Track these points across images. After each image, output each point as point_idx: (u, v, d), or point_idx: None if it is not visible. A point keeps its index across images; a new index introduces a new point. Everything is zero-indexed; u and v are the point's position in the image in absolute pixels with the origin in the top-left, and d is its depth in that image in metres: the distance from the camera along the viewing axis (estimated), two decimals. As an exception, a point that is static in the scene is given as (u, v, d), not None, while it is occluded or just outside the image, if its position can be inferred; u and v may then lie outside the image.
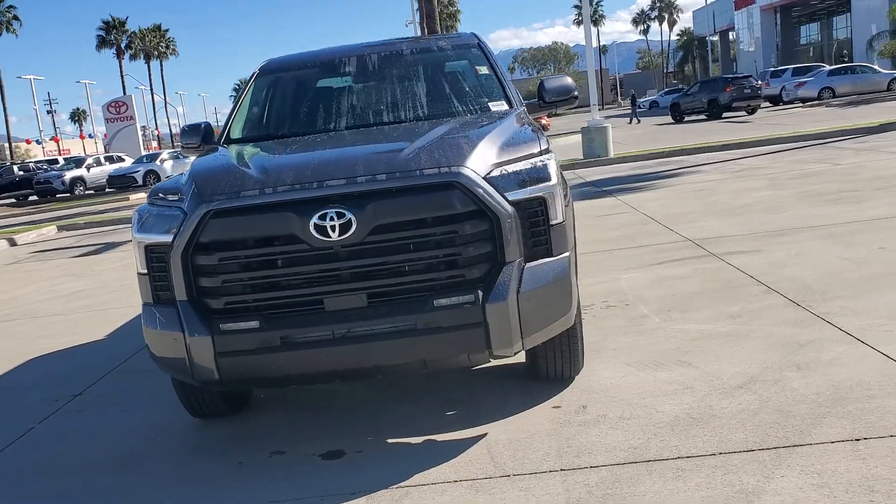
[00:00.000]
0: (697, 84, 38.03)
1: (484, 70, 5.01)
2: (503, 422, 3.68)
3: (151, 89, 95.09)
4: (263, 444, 3.79)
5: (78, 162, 40.10)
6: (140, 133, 53.49)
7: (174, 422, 4.18)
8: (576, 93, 4.96)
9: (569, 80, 4.94)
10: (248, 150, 4.16)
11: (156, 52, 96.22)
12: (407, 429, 3.74)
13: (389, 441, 3.63)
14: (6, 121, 51.84)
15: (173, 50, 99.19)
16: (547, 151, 3.68)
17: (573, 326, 3.79)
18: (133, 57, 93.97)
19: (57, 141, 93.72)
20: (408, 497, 3.08)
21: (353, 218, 3.21)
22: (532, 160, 3.54)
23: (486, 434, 3.57)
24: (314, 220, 3.21)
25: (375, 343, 3.30)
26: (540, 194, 3.45)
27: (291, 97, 5.06)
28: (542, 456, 3.29)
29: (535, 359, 3.99)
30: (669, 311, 5.17)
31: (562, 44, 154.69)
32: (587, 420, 3.59)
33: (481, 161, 3.40)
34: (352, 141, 4.20)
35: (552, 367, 3.97)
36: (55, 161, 46.67)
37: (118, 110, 51.68)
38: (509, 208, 3.33)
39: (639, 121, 41.62)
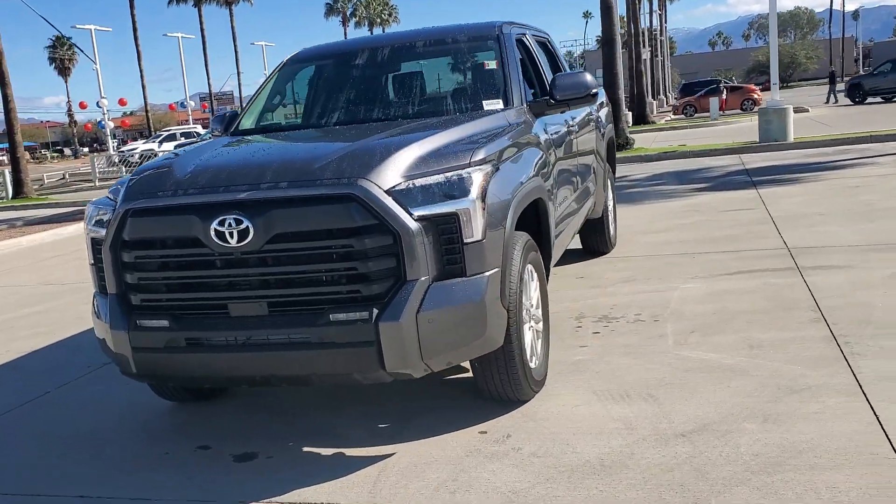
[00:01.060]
0: (889, 63, 33.64)
1: (492, 65, 4.75)
2: (419, 442, 3.54)
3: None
4: (202, 435, 3.90)
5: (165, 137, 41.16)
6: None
7: (151, 402, 4.39)
8: (594, 90, 4.59)
9: (583, 78, 4.56)
10: (216, 145, 4.23)
11: (378, 20, 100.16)
12: (329, 438, 3.70)
13: (304, 449, 3.61)
14: (143, 89, 54.72)
15: (395, 17, 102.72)
16: (483, 162, 3.44)
17: (508, 349, 3.55)
18: (358, 24, 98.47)
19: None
20: (269, 512, 3.06)
21: (250, 226, 3.19)
22: (451, 173, 3.32)
23: (392, 454, 3.45)
24: (214, 225, 3.22)
25: (272, 353, 3.28)
26: (452, 210, 3.24)
27: (303, 90, 5.09)
28: (422, 488, 3.13)
29: (474, 377, 3.79)
30: (692, 332, 4.70)
31: (805, 9, 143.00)
32: (497, 452, 3.36)
33: (390, 172, 3.23)
34: (309, 139, 4.16)
35: (491, 388, 3.75)
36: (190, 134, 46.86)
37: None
38: (413, 224, 3.15)
39: (836, 100, 37.58)
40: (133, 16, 53.61)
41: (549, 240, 4.28)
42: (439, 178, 3.29)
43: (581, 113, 5.80)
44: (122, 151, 41.14)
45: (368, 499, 3.09)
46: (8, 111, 22.53)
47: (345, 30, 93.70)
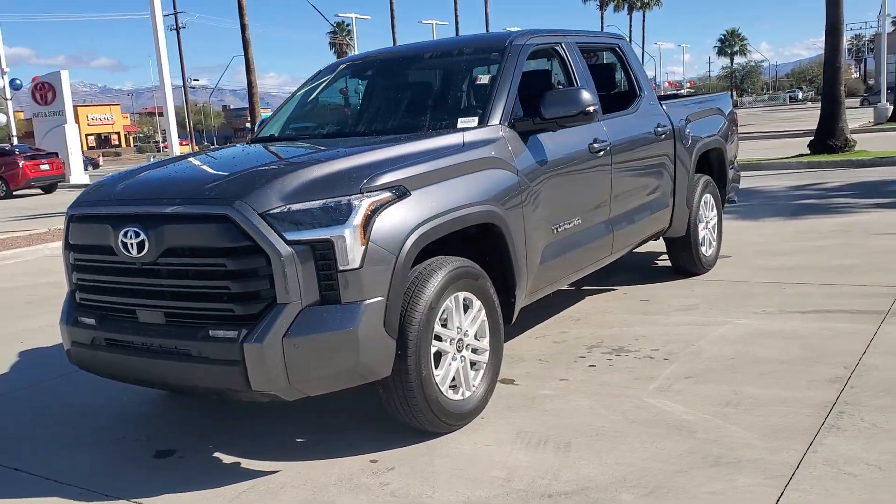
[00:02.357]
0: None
1: (484, 80, 4.54)
2: (307, 463, 3.56)
3: (632, 41, 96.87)
4: (147, 426, 4.19)
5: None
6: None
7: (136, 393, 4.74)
8: (589, 108, 4.27)
9: (575, 95, 4.25)
10: (181, 157, 4.46)
11: (639, 3, 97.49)
12: (245, 445, 3.82)
13: (214, 454, 3.75)
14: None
15: (657, 0, 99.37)
16: (380, 189, 3.37)
17: (404, 378, 3.46)
18: (616, 8, 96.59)
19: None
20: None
21: (146, 239, 3.39)
22: (335, 199, 3.28)
23: (275, 472, 3.50)
24: (120, 235, 3.47)
25: (164, 361, 3.46)
26: (326, 237, 3.21)
27: (321, 99, 5.19)
28: (266, 510, 3.16)
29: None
30: (688, 377, 4.24)
31: None
32: (363, 484, 3.30)
33: (270, 196, 3.26)
34: (252, 156, 4.24)
35: (398, 416, 3.66)
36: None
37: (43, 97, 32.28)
38: (284, 248, 3.18)
39: None
40: (392, 4, 56.80)
41: (511, 266, 4.06)
42: (321, 203, 3.26)
43: (631, 126, 5.40)
44: None
45: (215, 513, 3.18)
46: (251, 95, 24.98)
47: (601, 14, 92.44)
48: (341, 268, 3.22)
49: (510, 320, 4.20)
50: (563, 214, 4.57)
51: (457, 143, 3.95)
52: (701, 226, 6.50)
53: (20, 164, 26.13)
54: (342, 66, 5.33)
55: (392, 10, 56.37)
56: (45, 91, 32.05)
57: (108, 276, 3.63)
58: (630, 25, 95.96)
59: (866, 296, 5.57)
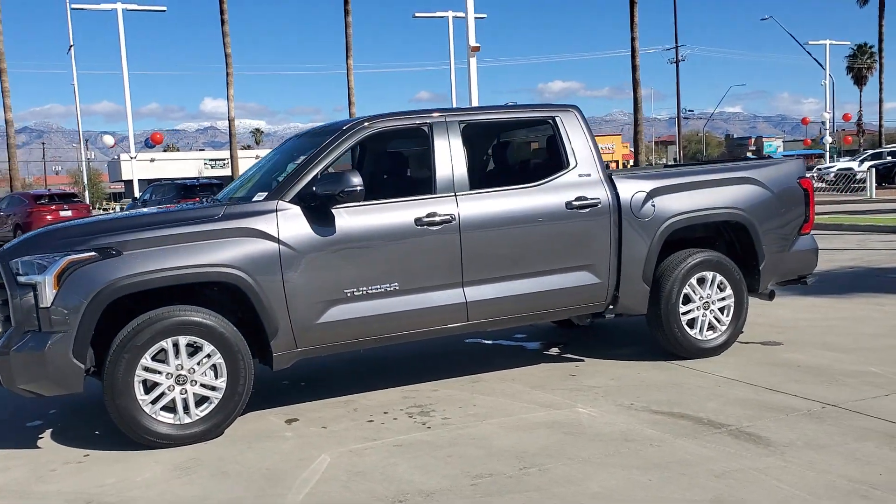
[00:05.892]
0: None
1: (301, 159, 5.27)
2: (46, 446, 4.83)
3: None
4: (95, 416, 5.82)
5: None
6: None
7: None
8: (349, 189, 4.86)
9: (340, 177, 4.95)
10: None
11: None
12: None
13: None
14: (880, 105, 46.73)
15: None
16: (84, 250, 4.52)
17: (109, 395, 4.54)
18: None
19: None
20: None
21: None
22: (50, 255, 4.53)
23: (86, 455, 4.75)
24: None
25: None
26: (34, 281, 4.51)
27: None
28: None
29: None
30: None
31: None
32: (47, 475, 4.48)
33: (22, 248, 4.67)
34: None
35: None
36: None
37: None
38: (16, 287, 4.56)
39: None
40: (881, 28, 51.19)
41: (262, 321, 4.80)
42: (43, 258, 4.56)
43: (516, 200, 5.46)
44: (821, 168, 40.68)
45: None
46: (636, 133, 25.61)
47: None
48: (41, 305, 4.48)
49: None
50: (362, 280, 5.05)
51: (210, 215, 4.88)
52: (690, 306, 5.93)
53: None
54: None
55: (881, 34, 50.63)
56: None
57: None
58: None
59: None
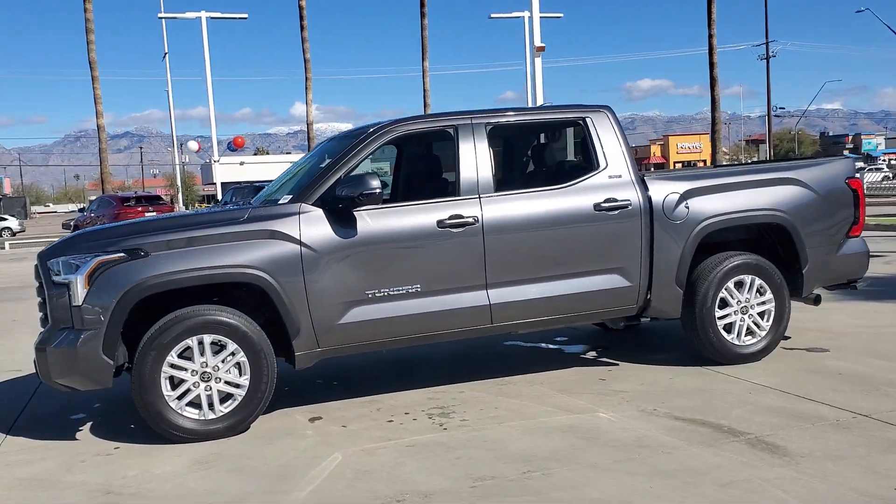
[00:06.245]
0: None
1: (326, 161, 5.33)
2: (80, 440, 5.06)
3: None
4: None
5: None
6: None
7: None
8: (369, 192, 4.93)
9: (360, 180, 5.02)
10: None
11: None
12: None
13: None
14: None
15: None
16: (112, 251, 4.73)
17: (137, 389, 4.75)
18: None
19: None
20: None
21: None
22: (82, 256, 4.76)
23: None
24: None
25: None
26: (67, 280, 4.74)
27: None
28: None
29: None
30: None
31: None
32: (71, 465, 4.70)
33: (58, 250, 4.92)
34: None
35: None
36: None
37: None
38: (53, 287, 4.81)
39: None
40: None
41: (285, 321, 4.92)
42: (76, 258, 4.79)
43: (543, 202, 5.43)
44: None
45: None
46: (714, 132, 24.97)
47: None
48: (73, 304, 4.71)
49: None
50: (383, 281, 5.11)
51: (235, 217, 5.01)
52: (727, 310, 5.77)
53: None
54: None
55: None
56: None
57: None
58: None
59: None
